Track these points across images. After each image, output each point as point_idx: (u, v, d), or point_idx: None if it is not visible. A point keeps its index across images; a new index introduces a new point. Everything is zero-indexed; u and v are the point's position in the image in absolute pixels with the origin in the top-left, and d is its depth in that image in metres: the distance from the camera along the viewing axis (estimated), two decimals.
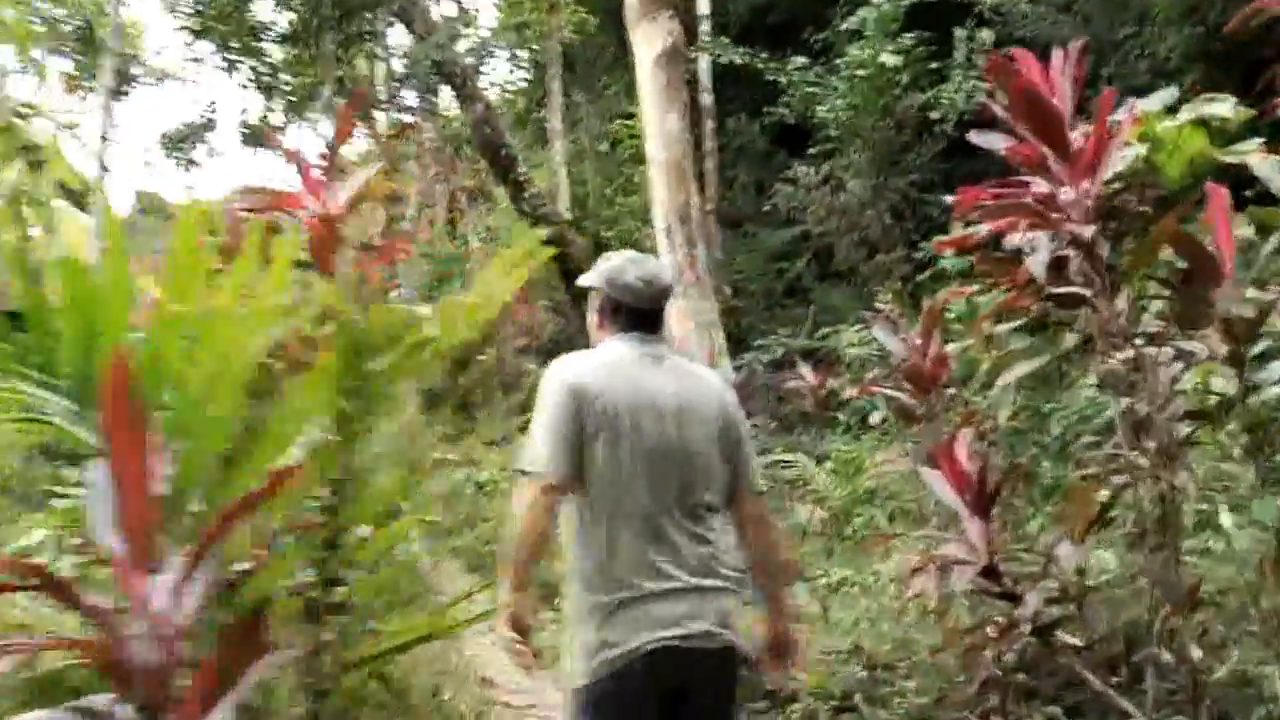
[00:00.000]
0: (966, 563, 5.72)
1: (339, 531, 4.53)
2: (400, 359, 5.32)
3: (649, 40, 13.23)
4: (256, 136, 27.04)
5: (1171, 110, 6.76)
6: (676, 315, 12.30)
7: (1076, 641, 5.68)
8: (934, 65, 18.39)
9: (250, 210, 7.49)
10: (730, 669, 4.23)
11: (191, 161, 32.61)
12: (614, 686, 4.02)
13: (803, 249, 20.91)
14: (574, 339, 18.14)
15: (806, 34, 20.55)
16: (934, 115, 18.06)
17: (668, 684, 4.05)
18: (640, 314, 4.43)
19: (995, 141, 5.69)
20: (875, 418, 12.46)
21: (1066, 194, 5.31)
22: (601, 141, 26.33)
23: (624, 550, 4.08)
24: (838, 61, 18.96)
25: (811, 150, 19.77)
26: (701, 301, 12.46)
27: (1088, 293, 5.23)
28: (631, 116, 20.85)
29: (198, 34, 24.16)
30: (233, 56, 23.90)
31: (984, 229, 5.84)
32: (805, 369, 14.83)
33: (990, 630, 5.79)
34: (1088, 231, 5.16)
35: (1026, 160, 5.44)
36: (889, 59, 18.03)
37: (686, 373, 4.48)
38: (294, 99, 25.94)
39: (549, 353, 21.07)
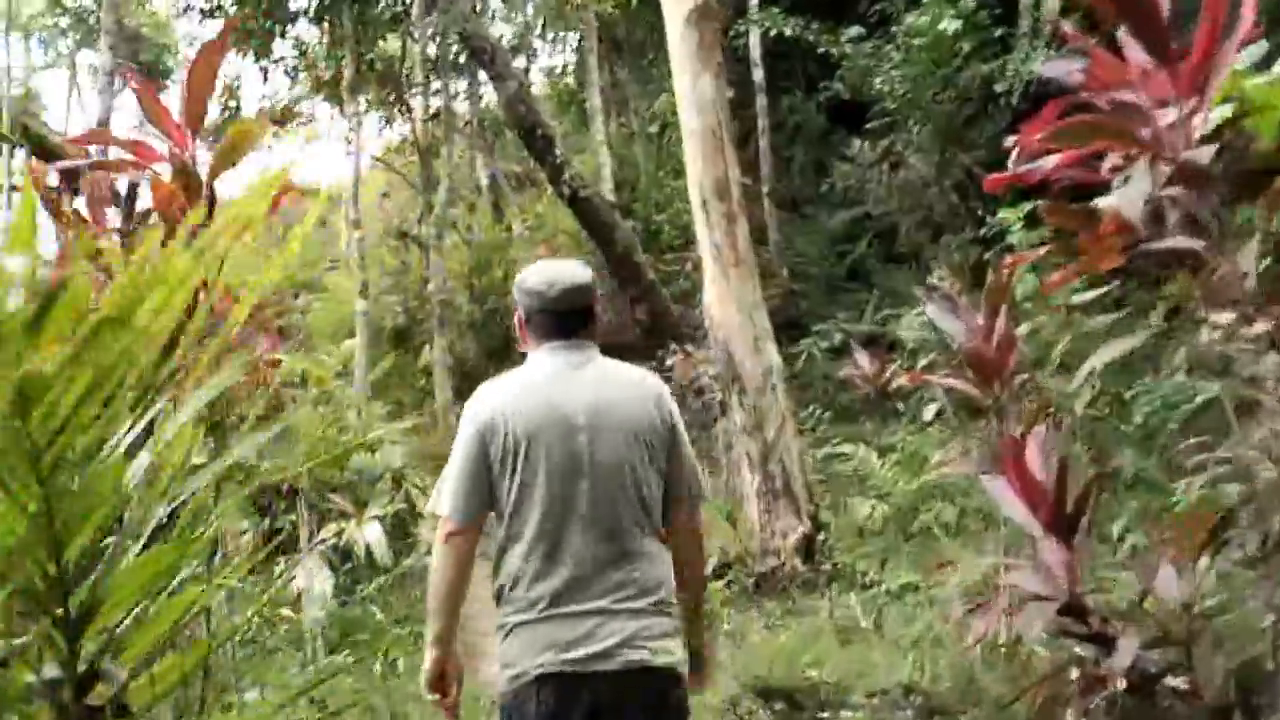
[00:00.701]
0: (1043, 598, 4.42)
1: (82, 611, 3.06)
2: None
3: None
4: (282, 122, 26.00)
5: (1263, 66, 5.43)
6: (717, 299, 11.51)
7: (1180, 684, 4.34)
8: (998, 33, 17.36)
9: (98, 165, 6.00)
10: (652, 690, 4.04)
11: None
12: (517, 704, 3.99)
13: (864, 230, 19.97)
14: (622, 332, 18.25)
15: (861, 6, 19.43)
16: (998, 88, 16.98)
17: (575, 706, 3.94)
18: (555, 318, 4.23)
19: (1065, 69, 4.35)
20: (929, 412, 11.25)
21: (1167, 116, 3.96)
22: (651, 123, 25.23)
23: (528, 574, 4.01)
24: (894, 29, 18.03)
25: (869, 126, 18.90)
26: (744, 284, 11.38)
27: (1199, 245, 3.84)
28: None
29: (207, 14, 22.78)
30: (253, 39, 22.58)
31: (1051, 162, 4.48)
32: (861, 355, 13.88)
33: (1074, 678, 4.50)
34: (1203, 155, 3.78)
35: (1111, 81, 4.09)
36: (949, 25, 16.95)
37: (609, 379, 4.26)
38: (322, 81, 24.74)
39: (603, 347, 20.55)
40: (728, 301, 11.33)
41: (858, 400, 15.56)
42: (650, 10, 23.45)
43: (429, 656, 4.14)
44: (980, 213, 16.56)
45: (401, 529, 12.83)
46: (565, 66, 30.43)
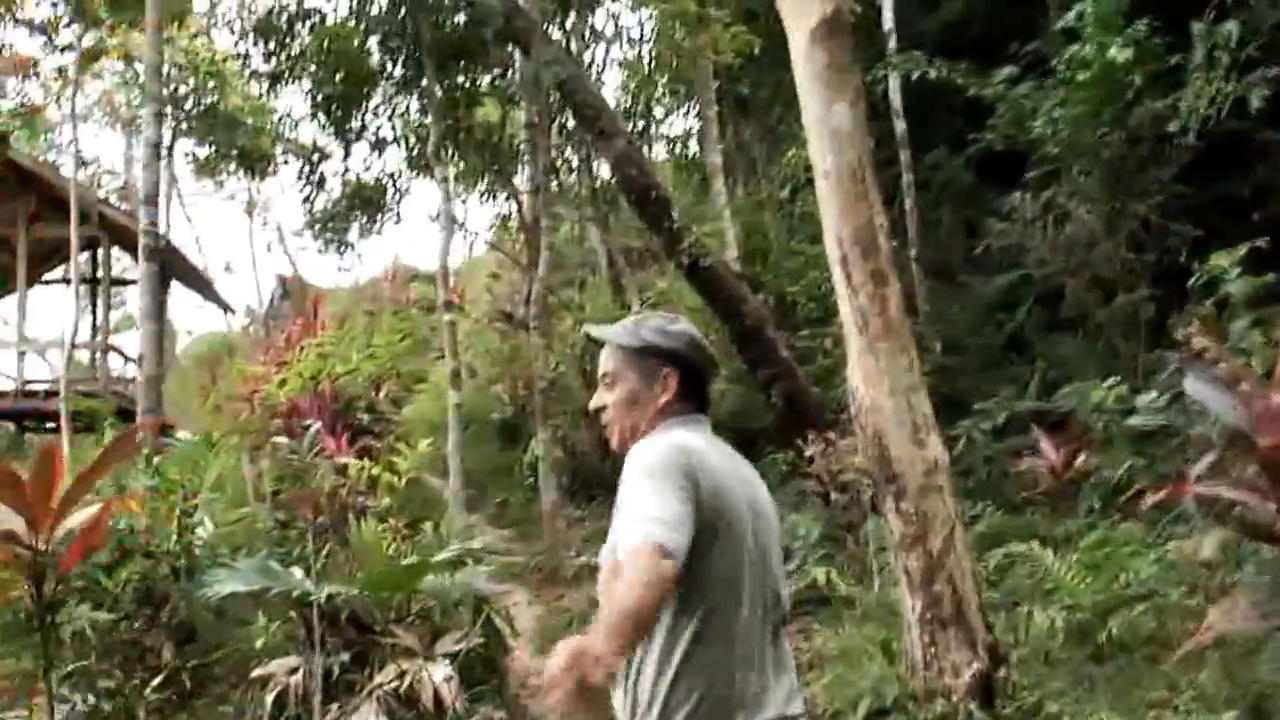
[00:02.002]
0: None
1: None
2: None
3: (801, 8, 10.13)
4: (372, 200, 24.66)
5: None
6: (864, 379, 9.44)
7: None
8: (1171, 62, 15.28)
9: None
10: None
11: (343, 242, 30.80)
12: None
13: (1023, 296, 18.04)
14: (759, 414, 17.30)
15: (1012, 49, 17.45)
16: (1171, 127, 15.01)
17: None
18: (705, 384, 3.83)
19: None
20: (1208, 547, 8.95)
21: None
22: (781, 187, 23.46)
23: (721, 675, 3.35)
24: (1054, 64, 16.13)
25: (1029, 178, 16.93)
26: (897, 360, 9.29)
27: None
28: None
29: (275, 80, 21.18)
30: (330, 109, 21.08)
31: None
32: (1045, 443, 12.39)
33: None
34: None
35: None
36: (1119, 54, 14.93)
37: (743, 463, 3.76)
38: (412, 154, 23.41)
39: (728, 431, 18.81)
40: (878, 382, 9.18)
41: (1019, 489, 13.85)
42: (776, 63, 21.95)
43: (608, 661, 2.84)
44: (1164, 264, 15.09)
45: (481, 667, 10.71)
46: (686, 131, 28.47)
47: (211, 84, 31.65)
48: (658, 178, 18.37)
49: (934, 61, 17.50)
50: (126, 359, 28.60)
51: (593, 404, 3.92)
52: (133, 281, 31.04)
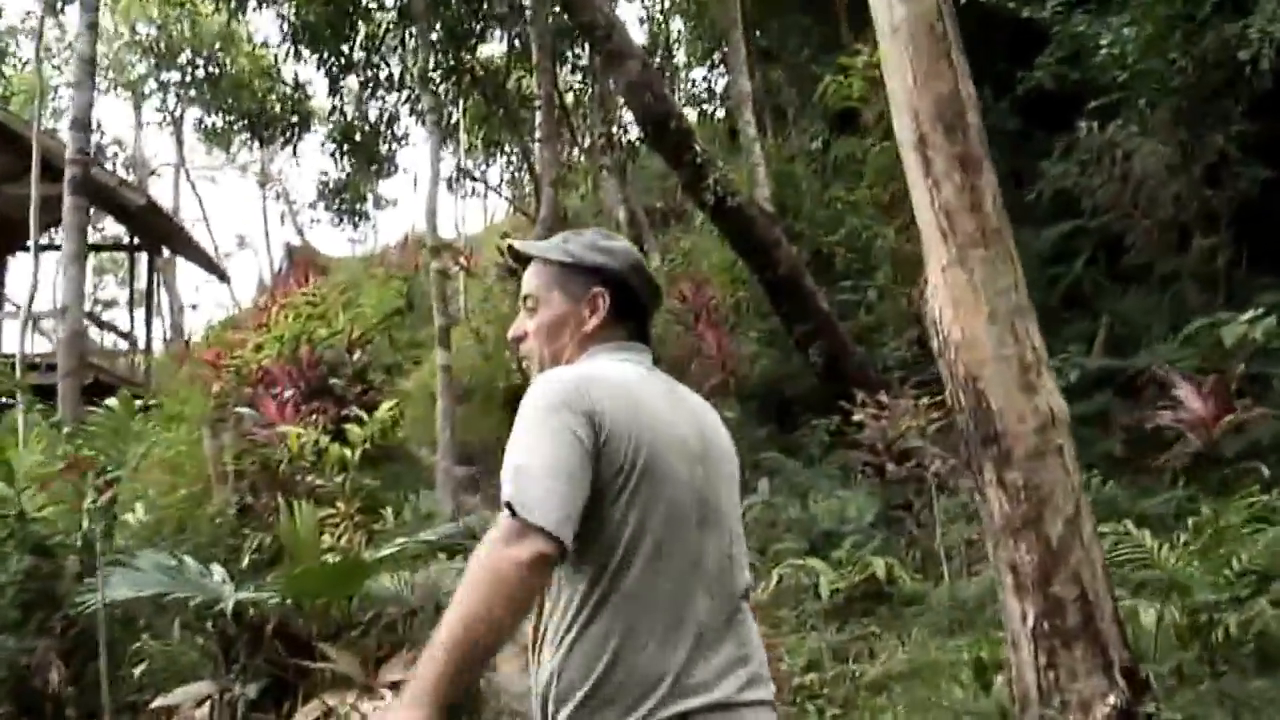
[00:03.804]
0: None
1: None
2: None
3: None
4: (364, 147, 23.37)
5: None
6: (949, 300, 6.81)
7: None
8: None
9: None
10: None
11: (355, 211, 30.98)
12: None
13: (1079, 247, 16.12)
14: (796, 378, 15.77)
15: None
16: (1242, 55, 13.16)
17: None
18: (643, 308, 3.18)
19: None
20: None
21: None
22: (813, 139, 20.97)
23: (630, 648, 2.70)
24: None
25: (1090, 107, 14.86)
26: (998, 272, 6.65)
27: None
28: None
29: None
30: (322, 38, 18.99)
31: None
32: (1188, 389, 9.56)
33: None
34: None
35: None
36: None
37: (692, 400, 3.14)
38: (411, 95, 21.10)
39: (760, 399, 17.04)
40: (972, 304, 6.55)
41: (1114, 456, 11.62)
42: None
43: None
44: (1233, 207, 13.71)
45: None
46: (709, 87, 26.25)
47: (216, 46, 29.55)
48: (676, 106, 15.87)
49: None
50: (114, 331, 26.55)
51: (511, 331, 3.17)
52: (125, 247, 28.66)
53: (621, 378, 2.87)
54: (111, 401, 9.49)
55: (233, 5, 19.36)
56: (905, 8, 6.79)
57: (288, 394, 12.53)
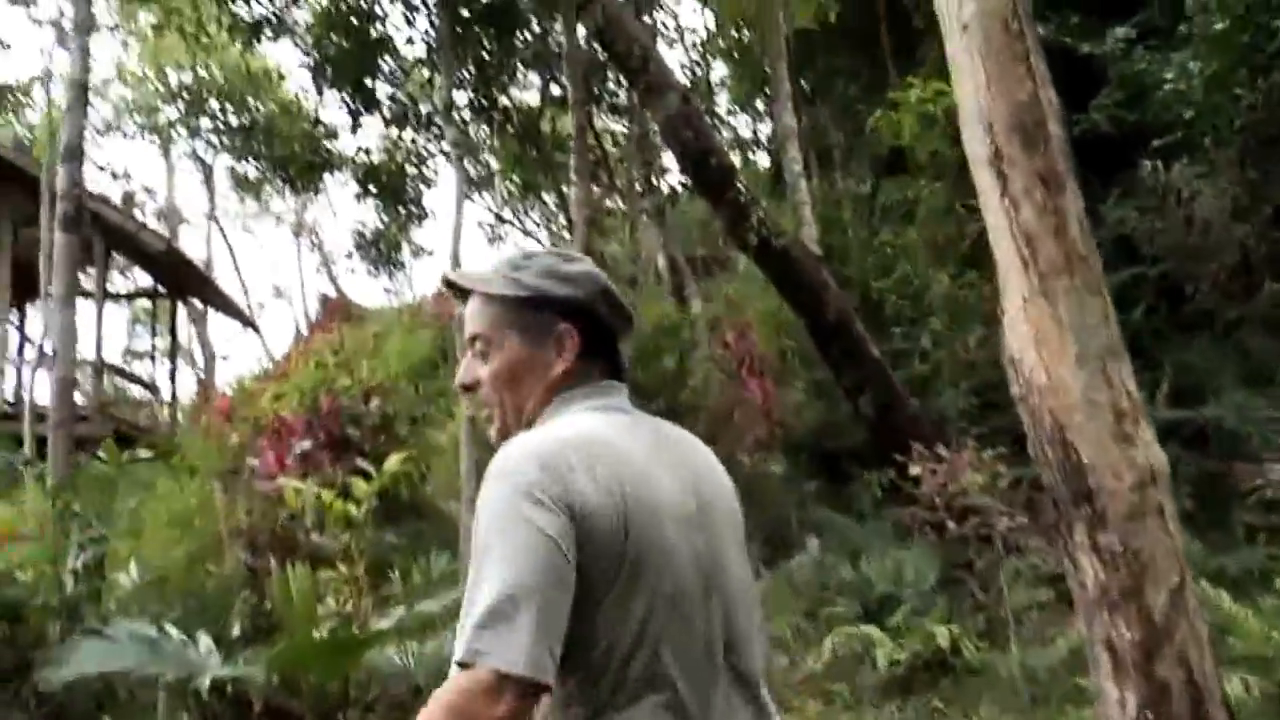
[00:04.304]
0: None
1: None
2: None
3: None
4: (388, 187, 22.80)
5: None
6: (1032, 337, 5.80)
7: None
8: None
9: None
10: None
11: (391, 262, 30.88)
12: None
13: (1140, 294, 14.93)
14: (845, 429, 14.78)
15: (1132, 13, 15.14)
16: None
17: None
18: (614, 340, 2.75)
19: None
20: None
21: None
22: (861, 181, 19.76)
23: None
24: (1184, 19, 13.59)
25: (1154, 146, 14.07)
26: (1086, 305, 5.73)
27: None
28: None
29: (255, 30, 18.18)
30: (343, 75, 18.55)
31: None
32: None
33: None
34: None
35: None
36: None
37: (682, 441, 2.71)
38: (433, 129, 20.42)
39: (807, 451, 16.15)
40: (1058, 343, 5.62)
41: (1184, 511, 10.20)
42: (853, 38, 19.14)
43: None
44: None
45: None
46: (754, 134, 25.64)
47: (248, 93, 29.25)
48: (718, 143, 15.08)
49: (1045, 23, 14.64)
50: (135, 380, 25.93)
51: (460, 378, 2.67)
52: (147, 294, 28.28)
53: (603, 438, 2.42)
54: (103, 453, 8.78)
55: (246, 35, 18.60)
56: (975, 4, 5.91)
57: (303, 445, 11.71)
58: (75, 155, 12.79)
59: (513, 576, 2.11)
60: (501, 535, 2.18)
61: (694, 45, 23.49)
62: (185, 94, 31.05)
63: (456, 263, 15.75)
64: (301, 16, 17.83)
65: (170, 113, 33.20)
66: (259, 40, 19.04)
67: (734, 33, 19.69)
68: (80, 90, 13.24)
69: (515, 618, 2.07)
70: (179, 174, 41.56)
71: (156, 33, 23.12)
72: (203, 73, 29.76)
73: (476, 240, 67.32)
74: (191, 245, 43.62)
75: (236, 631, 7.51)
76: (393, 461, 9.00)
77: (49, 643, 8.03)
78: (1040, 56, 5.92)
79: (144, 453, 11.98)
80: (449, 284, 2.77)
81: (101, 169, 36.15)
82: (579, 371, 2.62)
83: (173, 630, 7.15)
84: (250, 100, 29.21)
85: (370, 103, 19.02)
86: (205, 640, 7.03)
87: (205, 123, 31.40)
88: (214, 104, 30.09)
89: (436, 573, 9.49)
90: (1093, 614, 5.56)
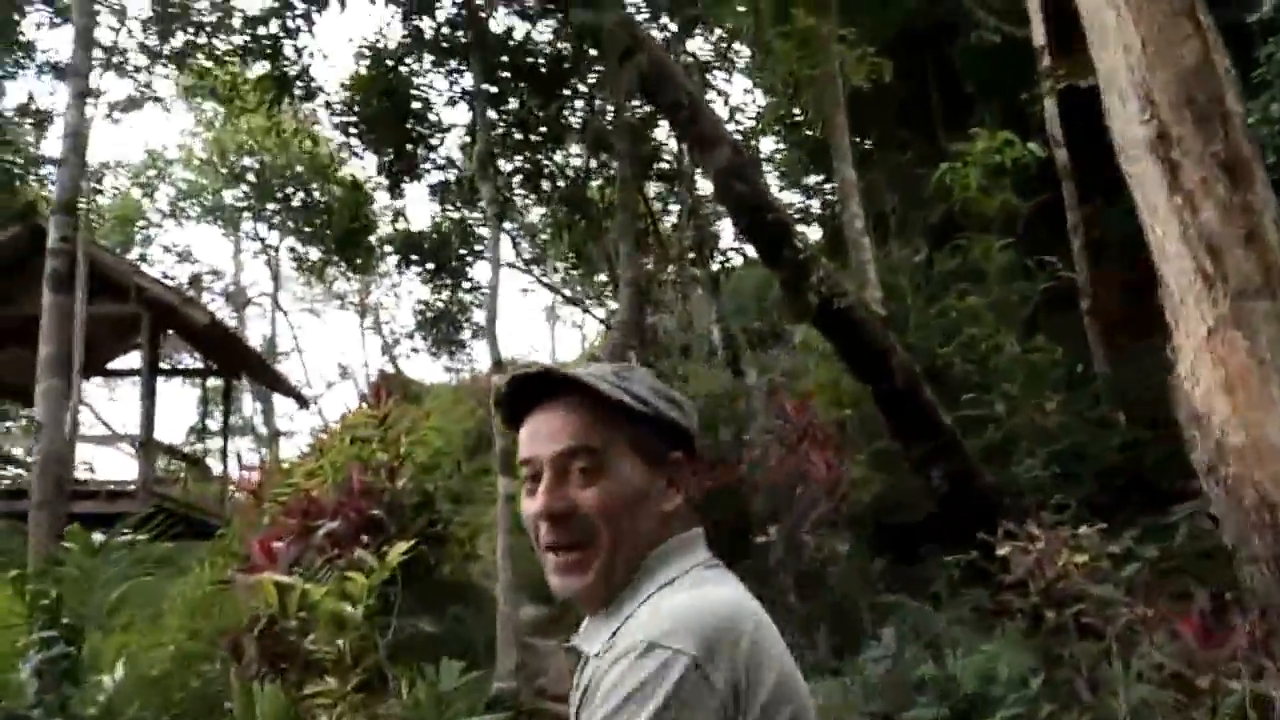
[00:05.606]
0: None
1: None
2: None
3: None
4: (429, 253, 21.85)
5: None
6: (1219, 382, 4.48)
7: None
8: None
9: None
10: None
11: (451, 341, 30.46)
12: None
13: None
14: (913, 504, 13.41)
15: None
16: None
17: None
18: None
19: None
20: None
21: None
22: (920, 249, 19.00)
23: None
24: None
25: None
26: None
27: None
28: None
29: (283, 86, 16.98)
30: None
31: None
32: None
33: None
34: None
35: None
36: None
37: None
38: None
39: (873, 528, 14.62)
40: (1259, 387, 4.03)
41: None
42: (912, 98, 17.99)
43: None
44: None
45: None
46: (807, 207, 24.35)
47: (311, 178, 29.19)
48: (773, 198, 13.82)
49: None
50: (180, 457, 24.87)
51: (543, 504, 1.91)
52: (197, 372, 27.45)
53: (749, 614, 1.85)
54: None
55: (272, 96, 17.52)
56: None
57: (330, 526, 10.32)
58: (68, 209, 11.54)
59: None
60: None
61: (743, 124, 22.53)
62: (252, 176, 30.97)
63: (492, 325, 14.48)
64: (332, 75, 17.00)
65: (235, 195, 33.27)
66: (290, 99, 18.07)
67: (785, 93, 18.53)
68: (76, 139, 12.04)
69: None
70: (245, 257, 41.82)
71: (187, 94, 22.66)
72: (267, 157, 29.54)
73: (535, 320, 66.60)
74: (257, 327, 43.71)
75: None
76: (395, 551, 7.52)
77: None
78: (1208, 13, 4.38)
79: (128, 534, 10.58)
80: (516, 382, 2.02)
81: (167, 250, 36.87)
82: (684, 514, 2.06)
83: None
84: (312, 184, 29.01)
85: (409, 167, 17.96)
86: None
87: (270, 205, 31.57)
88: (276, 185, 30.00)
89: (447, 684, 7.90)
90: None
